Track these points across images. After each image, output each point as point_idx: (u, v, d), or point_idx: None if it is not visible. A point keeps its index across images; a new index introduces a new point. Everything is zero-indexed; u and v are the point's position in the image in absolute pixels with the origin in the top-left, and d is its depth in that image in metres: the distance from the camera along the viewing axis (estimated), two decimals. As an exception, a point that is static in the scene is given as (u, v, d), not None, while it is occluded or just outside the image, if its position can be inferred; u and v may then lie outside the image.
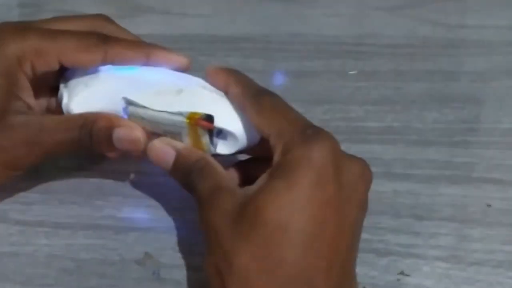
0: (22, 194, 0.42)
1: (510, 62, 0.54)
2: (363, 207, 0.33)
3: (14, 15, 0.61)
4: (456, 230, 0.40)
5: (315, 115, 0.49)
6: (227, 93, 0.37)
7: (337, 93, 0.51)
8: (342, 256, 0.31)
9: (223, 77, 0.37)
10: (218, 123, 0.36)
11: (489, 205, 0.42)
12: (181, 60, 0.40)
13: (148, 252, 0.39)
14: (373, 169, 0.44)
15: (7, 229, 0.40)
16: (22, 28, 0.38)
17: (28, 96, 0.39)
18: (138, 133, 0.37)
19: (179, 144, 0.36)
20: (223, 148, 0.37)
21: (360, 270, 0.37)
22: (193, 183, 0.34)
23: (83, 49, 0.38)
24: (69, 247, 0.39)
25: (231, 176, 0.35)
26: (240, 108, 0.36)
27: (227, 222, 0.31)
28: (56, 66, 0.38)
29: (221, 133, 0.37)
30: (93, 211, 0.41)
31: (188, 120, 0.36)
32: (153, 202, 0.42)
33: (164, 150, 0.36)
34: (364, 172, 0.33)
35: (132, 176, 0.37)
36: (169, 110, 0.36)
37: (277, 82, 0.53)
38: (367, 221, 0.40)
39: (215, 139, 0.37)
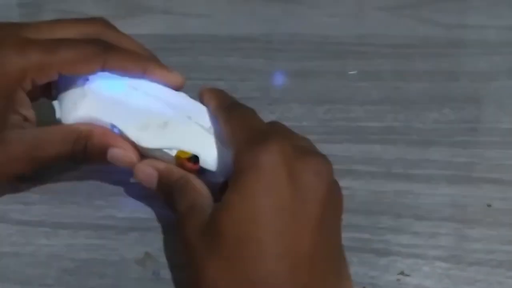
0: (22, 194, 0.42)
1: (510, 62, 0.54)
2: (328, 201, 0.32)
3: (14, 15, 0.61)
4: (456, 230, 0.40)
5: (315, 115, 0.49)
6: (208, 108, 0.39)
7: (337, 93, 0.51)
8: (305, 257, 0.30)
9: (208, 94, 0.40)
10: (203, 163, 0.38)
11: (489, 205, 0.42)
12: (176, 79, 0.41)
13: (148, 252, 0.39)
14: (373, 169, 0.44)
15: (7, 229, 0.40)
16: (22, 42, 0.38)
17: (26, 109, 0.39)
18: (132, 155, 0.39)
19: (161, 165, 0.38)
20: (210, 178, 0.38)
21: (360, 270, 0.37)
22: (173, 201, 0.36)
23: (83, 60, 0.38)
24: (69, 247, 0.39)
25: (210, 195, 0.36)
26: (213, 121, 0.38)
27: (197, 239, 0.32)
28: (55, 77, 0.39)
29: (203, 169, 0.38)
30: (93, 211, 0.41)
31: (176, 156, 0.38)
32: (153, 202, 0.42)
33: (148, 171, 0.38)
34: (320, 167, 0.32)
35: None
36: (156, 146, 0.38)
37: (277, 82, 0.53)
38: (367, 221, 0.41)
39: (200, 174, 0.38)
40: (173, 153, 0.38)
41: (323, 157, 0.33)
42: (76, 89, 0.40)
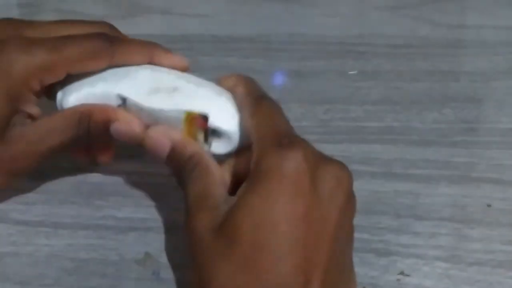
0: (22, 194, 0.42)
1: (510, 62, 0.54)
2: (346, 211, 0.32)
3: (14, 15, 0.60)
4: (456, 230, 0.40)
5: (315, 115, 0.49)
6: (234, 92, 0.38)
7: (337, 93, 0.51)
8: (320, 268, 0.30)
9: (234, 79, 0.38)
10: (213, 122, 0.36)
11: (489, 205, 0.42)
12: (182, 61, 0.40)
13: (148, 252, 0.39)
14: (373, 169, 0.44)
15: (7, 229, 0.40)
16: (28, 42, 0.37)
17: (31, 107, 0.38)
18: (136, 127, 0.37)
19: (175, 135, 0.36)
20: (217, 147, 0.37)
21: (360, 270, 0.37)
22: (184, 182, 0.35)
23: (91, 56, 0.38)
24: (69, 247, 0.39)
25: (223, 178, 0.35)
26: (239, 108, 0.37)
27: (210, 238, 0.31)
28: (63, 76, 0.38)
29: (215, 133, 0.37)
30: (93, 211, 0.41)
31: (185, 117, 0.36)
32: (153, 202, 0.42)
33: (160, 140, 0.36)
34: (342, 175, 0.32)
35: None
36: (164, 107, 0.37)
37: (277, 82, 0.53)
38: (367, 221, 0.41)
39: (209, 138, 0.37)
40: (182, 114, 0.37)
41: (343, 166, 0.32)
42: (81, 76, 0.39)
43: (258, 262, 0.30)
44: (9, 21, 0.40)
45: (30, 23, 0.40)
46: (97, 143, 0.40)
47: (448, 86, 0.51)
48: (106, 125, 0.38)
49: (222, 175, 0.35)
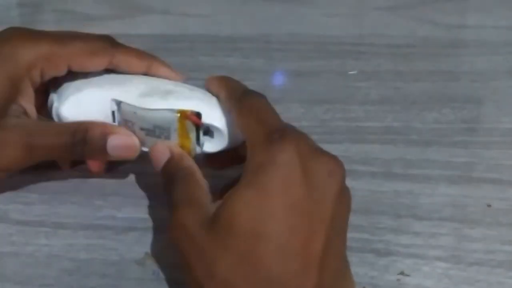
0: (22, 194, 0.42)
1: (510, 62, 0.54)
2: (339, 202, 0.32)
3: (13, 15, 0.61)
4: (456, 230, 0.40)
5: (315, 115, 0.49)
6: (218, 98, 0.39)
7: (337, 93, 0.51)
8: (317, 256, 0.31)
9: (216, 82, 0.39)
10: (206, 119, 0.38)
11: (489, 205, 0.42)
12: (178, 77, 0.42)
13: (148, 252, 0.39)
14: (373, 169, 0.44)
15: (7, 229, 0.40)
16: (33, 34, 0.39)
17: (27, 102, 0.39)
18: (134, 140, 0.39)
19: (176, 150, 0.38)
20: (209, 146, 0.39)
21: (360, 270, 0.37)
22: (171, 188, 0.36)
23: (92, 53, 0.39)
24: (69, 247, 0.39)
25: (210, 193, 0.36)
26: (226, 111, 0.38)
27: (201, 234, 0.32)
28: (65, 71, 0.39)
29: (208, 132, 0.39)
30: (93, 211, 0.41)
31: (178, 114, 0.37)
32: (153, 202, 0.42)
33: (162, 150, 0.38)
34: (334, 168, 0.32)
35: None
36: (158, 107, 0.38)
37: (277, 82, 0.53)
38: (367, 221, 0.41)
39: (201, 137, 0.38)
40: (176, 112, 0.38)
41: (336, 158, 0.33)
42: (76, 80, 0.40)
43: (256, 252, 0.30)
44: (17, 27, 0.41)
45: (37, 30, 0.41)
46: (91, 154, 0.41)
47: (448, 86, 0.52)
48: (103, 138, 0.38)
49: (209, 191, 0.35)
